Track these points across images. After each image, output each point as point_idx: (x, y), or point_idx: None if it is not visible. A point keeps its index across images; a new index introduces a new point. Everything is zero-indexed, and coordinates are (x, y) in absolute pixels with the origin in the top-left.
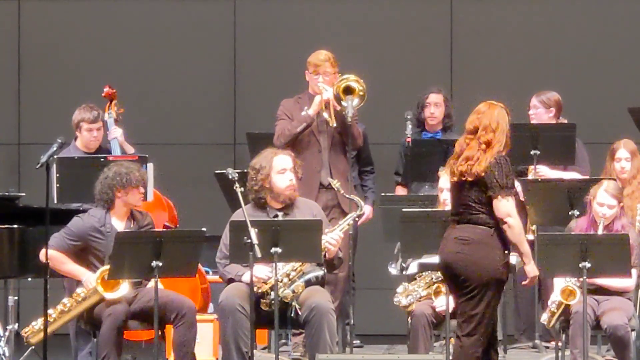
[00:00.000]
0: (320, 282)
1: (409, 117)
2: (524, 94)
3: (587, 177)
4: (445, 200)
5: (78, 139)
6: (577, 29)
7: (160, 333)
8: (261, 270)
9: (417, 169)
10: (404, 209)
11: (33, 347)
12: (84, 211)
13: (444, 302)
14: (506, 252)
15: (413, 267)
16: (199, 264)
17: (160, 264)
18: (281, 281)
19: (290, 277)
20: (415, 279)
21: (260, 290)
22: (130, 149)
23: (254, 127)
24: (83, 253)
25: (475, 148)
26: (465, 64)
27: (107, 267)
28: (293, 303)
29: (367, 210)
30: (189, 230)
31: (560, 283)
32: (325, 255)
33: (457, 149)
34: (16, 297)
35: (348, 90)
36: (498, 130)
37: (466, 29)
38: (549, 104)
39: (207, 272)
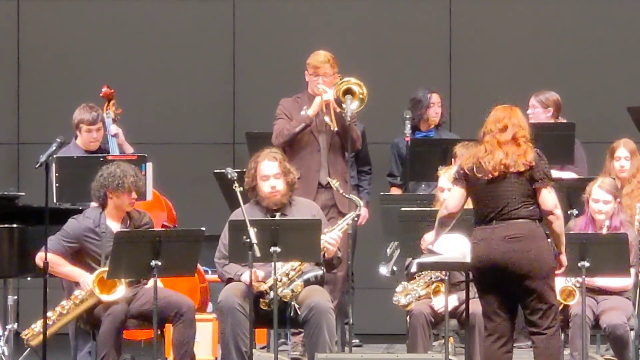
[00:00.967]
0: (320, 281)
1: (407, 116)
2: (524, 94)
3: (585, 176)
4: (446, 199)
5: (78, 138)
6: (576, 29)
7: (159, 332)
8: (258, 272)
9: (416, 168)
10: (402, 208)
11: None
12: (82, 211)
13: (443, 302)
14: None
15: (413, 267)
16: (198, 264)
17: (160, 263)
18: (280, 280)
19: (290, 276)
20: (415, 278)
21: (259, 290)
22: (130, 149)
23: (253, 126)
24: (79, 254)
25: (513, 143)
26: (464, 63)
27: (105, 268)
28: (292, 302)
29: (363, 211)
30: (188, 229)
31: (560, 282)
32: (324, 255)
33: (484, 147)
34: (15, 297)
35: (348, 93)
36: (526, 128)
37: (465, 28)
38: (547, 103)
39: (206, 272)
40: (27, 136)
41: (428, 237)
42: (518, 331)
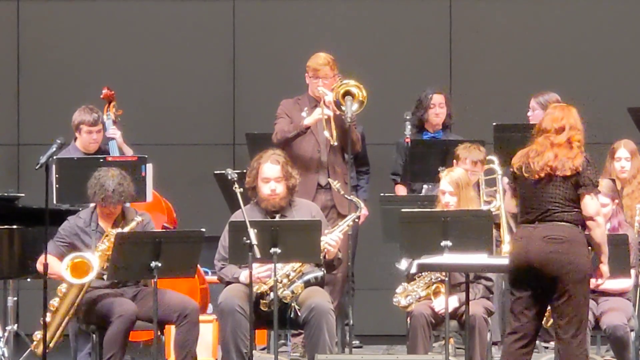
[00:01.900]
0: (320, 282)
1: (407, 117)
2: (524, 94)
3: None
4: (448, 202)
5: (78, 140)
6: (577, 29)
7: (159, 333)
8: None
9: (416, 169)
10: (403, 209)
11: (32, 348)
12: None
13: (443, 303)
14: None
15: (413, 268)
16: (198, 265)
17: (160, 264)
18: (280, 282)
19: (290, 277)
20: (415, 279)
21: (258, 291)
22: (129, 151)
23: (253, 127)
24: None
25: (566, 146)
26: (464, 64)
27: (75, 254)
28: (292, 304)
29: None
30: (188, 230)
31: None
32: (324, 256)
33: (536, 147)
34: (15, 298)
35: (348, 95)
36: (582, 130)
37: (465, 29)
38: (546, 105)
39: (206, 273)
40: (27, 137)
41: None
42: None
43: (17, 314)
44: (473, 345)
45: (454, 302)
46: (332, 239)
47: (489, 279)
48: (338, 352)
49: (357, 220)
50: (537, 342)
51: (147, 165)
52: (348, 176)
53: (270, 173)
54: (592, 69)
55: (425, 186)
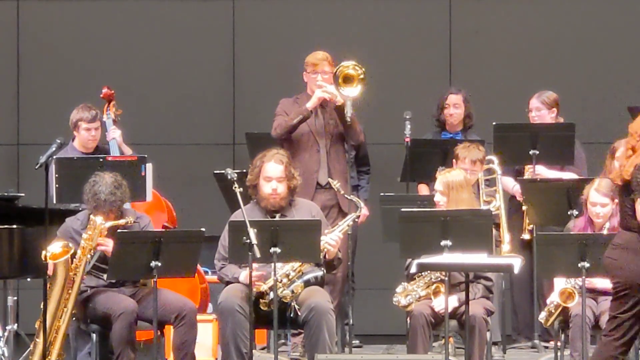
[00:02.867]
0: (320, 282)
1: (407, 117)
2: (523, 94)
3: (584, 177)
4: (438, 202)
5: (76, 139)
6: (577, 29)
7: (159, 333)
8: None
9: (416, 168)
10: (402, 209)
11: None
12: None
13: (443, 303)
14: None
15: (413, 267)
16: (198, 264)
17: (159, 264)
18: (280, 281)
19: (290, 277)
20: (415, 279)
21: (258, 290)
22: (129, 151)
23: (253, 127)
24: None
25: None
26: (464, 63)
27: (57, 243)
28: (292, 303)
29: (363, 211)
30: (188, 230)
31: (560, 283)
32: (324, 256)
33: (627, 154)
34: (15, 298)
35: (347, 80)
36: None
37: (465, 28)
38: (551, 104)
39: (206, 272)
40: (27, 137)
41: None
42: (518, 332)
43: (17, 314)
44: (472, 345)
45: (453, 301)
46: (332, 239)
47: (489, 279)
48: (338, 351)
49: (356, 220)
50: (537, 341)
51: (147, 164)
52: (348, 175)
53: (273, 172)
54: (592, 69)
55: None
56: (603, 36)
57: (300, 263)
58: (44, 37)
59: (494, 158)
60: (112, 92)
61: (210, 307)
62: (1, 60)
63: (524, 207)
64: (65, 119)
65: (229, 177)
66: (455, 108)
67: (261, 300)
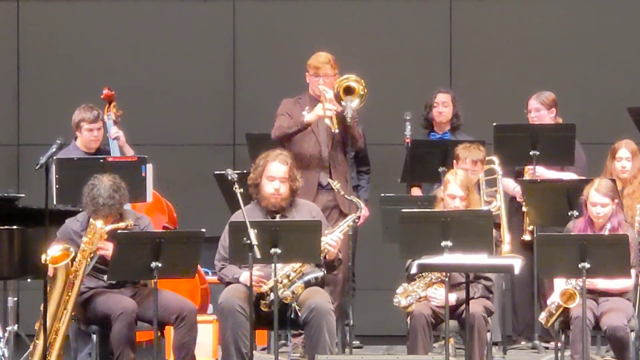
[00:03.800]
0: (320, 283)
1: (407, 118)
2: (524, 94)
3: (584, 177)
4: (457, 207)
5: (78, 139)
6: (576, 29)
7: (159, 334)
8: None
9: (416, 169)
10: (403, 210)
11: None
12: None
13: (436, 294)
14: None
15: (413, 268)
16: (199, 265)
17: (160, 265)
18: (281, 282)
19: (290, 278)
20: (416, 279)
21: (259, 291)
22: (130, 151)
23: (254, 128)
24: None
25: None
26: (464, 64)
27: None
28: (293, 304)
29: (364, 212)
30: (188, 231)
31: (561, 283)
32: (325, 257)
33: None
34: (15, 298)
35: (348, 91)
36: None
37: (465, 28)
38: (550, 104)
39: (207, 273)
40: (27, 137)
41: None
42: (519, 332)
43: (17, 315)
44: (472, 345)
45: (451, 299)
46: (332, 240)
47: (489, 279)
48: (338, 352)
49: (357, 220)
50: (537, 342)
51: (148, 165)
52: (349, 175)
53: (277, 172)
54: (592, 69)
55: (435, 186)
56: (603, 36)
57: (301, 264)
58: (44, 38)
59: (495, 158)
60: (113, 92)
61: (210, 307)
62: (1, 61)
63: (524, 208)
64: (66, 120)
65: (229, 177)
66: (444, 107)
67: (262, 301)
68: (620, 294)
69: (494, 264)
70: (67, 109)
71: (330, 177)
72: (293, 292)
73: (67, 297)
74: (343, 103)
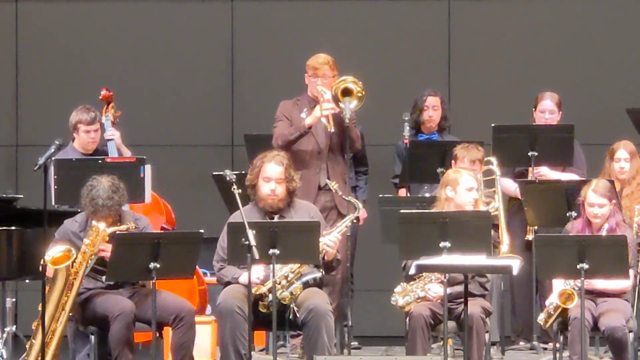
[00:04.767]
0: (318, 283)
1: (406, 118)
2: (522, 95)
3: (585, 178)
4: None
5: (76, 140)
6: (576, 29)
7: (157, 335)
8: (256, 271)
9: (414, 170)
10: (401, 211)
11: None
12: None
13: (435, 288)
14: None
15: (411, 269)
16: (197, 266)
17: (158, 265)
18: (279, 283)
19: (288, 279)
20: (415, 279)
21: (257, 292)
22: (127, 152)
23: (252, 128)
24: None
25: None
26: (463, 64)
27: (59, 248)
28: (291, 305)
29: (361, 212)
30: (186, 232)
31: (559, 284)
32: (323, 257)
33: None
34: (14, 299)
35: (346, 92)
36: None
37: (464, 29)
38: (560, 105)
39: (205, 274)
40: (26, 138)
41: None
42: (517, 333)
43: (15, 316)
44: (471, 345)
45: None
46: (330, 240)
47: (484, 275)
48: (337, 353)
49: (355, 221)
50: (536, 343)
51: (146, 166)
52: (347, 176)
53: (272, 173)
54: (592, 70)
55: (425, 187)
56: (603, 36)
57: (299, 264)
58: (42, 38)
59: (493, 159)
60: (111, 93)
61: (209, 308)
62: (0, 61)
63: (525, 208)
64: (64, 121)
65: (228, 178)
66: (433, 110)
67: (260, 302)
68: (619, 294)
69: (492, 265)
70: (65, 110)
71: (328, 178)
72: (291, 293)
73: (66, 298)
74: (341, 104)
